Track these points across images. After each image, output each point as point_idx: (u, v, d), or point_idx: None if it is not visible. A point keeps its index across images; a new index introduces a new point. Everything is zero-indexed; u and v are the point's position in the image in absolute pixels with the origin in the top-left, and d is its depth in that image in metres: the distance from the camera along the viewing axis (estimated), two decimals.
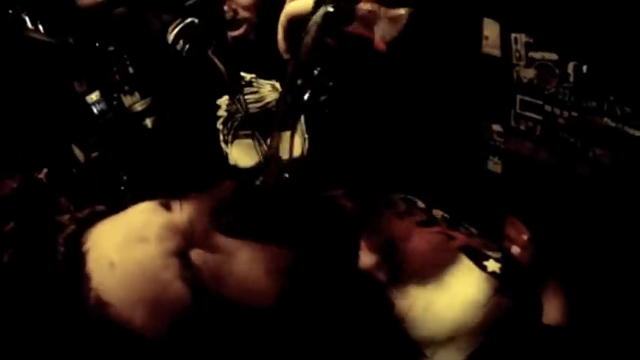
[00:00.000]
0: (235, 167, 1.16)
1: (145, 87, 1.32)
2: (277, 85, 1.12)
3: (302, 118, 1.10)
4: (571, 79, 1.00)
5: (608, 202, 1.00)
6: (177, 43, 1.06)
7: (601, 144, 1.01)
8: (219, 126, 1.15)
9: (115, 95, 1.34)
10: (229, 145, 1.15)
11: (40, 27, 1.28)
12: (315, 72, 0.67)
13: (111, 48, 1.29)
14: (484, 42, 1.11)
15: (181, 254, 0.56)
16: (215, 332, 0.55)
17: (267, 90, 1.13)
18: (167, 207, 0.61)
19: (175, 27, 1.06)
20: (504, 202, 0.97)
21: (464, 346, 0.60)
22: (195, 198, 0.61)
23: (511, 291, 0.65)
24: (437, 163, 1.16)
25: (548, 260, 0.84)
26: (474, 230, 0.84)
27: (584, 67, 0.93)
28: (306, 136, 1.12)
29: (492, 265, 0.69)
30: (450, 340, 0.61)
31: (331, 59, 0.68)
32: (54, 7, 1.28)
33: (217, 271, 0.57)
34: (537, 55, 1.03)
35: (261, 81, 1.13)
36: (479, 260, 0.70)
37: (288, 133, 1.12)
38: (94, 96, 1.34)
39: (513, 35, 1.04)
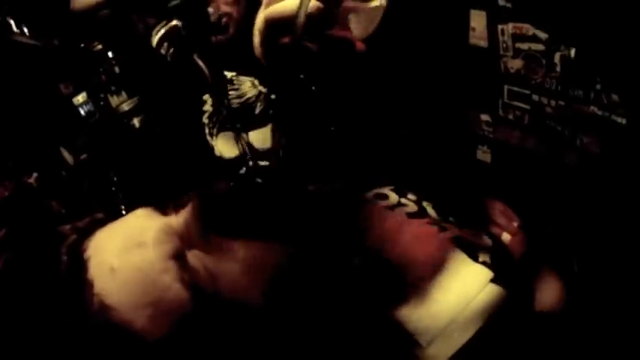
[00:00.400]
0: (220, 158, 1.20)
1: (131, 86, 1.33)
2: (256, 82, 1.17)
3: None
4: (558, 68, 1.02)
5: (596, 189, 1.03)
6: (162, 46, 1.07)
7: (588, 132, 1.03)
8: (205, 120, 1.20)
9: (102, 96, 1.34)
10: (214, 137, 1.20)
11: (26, 30, 1.28)
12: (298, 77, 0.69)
13: (97, 48, 1.29)
14: (471, 33, 1.13)
15: (178, 256, 0.58)
16: (212, 331, 0.57)
17: (248, 87, 1.17)
18: (163, 211, 0.64)
19: (159, 30, 1.07)
20: (494, 191, 0.99)
21: (459, 335, 0.62)
22: (190, 200, 0.63)
23: (504, 280, 0.67)
24: (426, 154, 1.18)
25: (538, 247, 0.87)
26: (463, 221, 0.86)
27: (573, 52, 0.95)
28: (283, 129, 1.18)
29: (483, 255, 0.71)
30: (445, 329, 0.63)
31: (313, 64, 0.69)
32: (39, 9, 1.28)
33: (213, 271, 0.59)
34: (524, 45, 1.05)
35: (242, 78, 1.18)
36: (471, 250, 0.72)
37: (267, 127, 1.18)
38: (80, 98, 1.34)
39: (500, 26, 1.07)
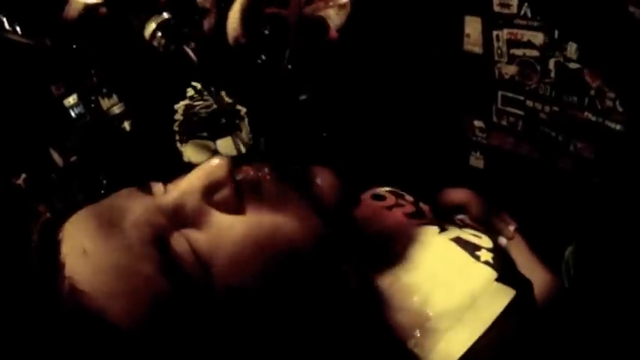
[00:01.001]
0: (189, 163, 1.22)
1: (122, 89, 1.32)
2: (223, 93, 1.22)
3: (246, 120, 1.22)
4: (552, 74, 1.01)
5: (590, 195, 1.01)
6: (154, 38, 1.08)
7: (582, 138, 1.02)
8: (176, 128, 1.23)
9: (93, 98, 1.32)
10: (184, 144, 1.23)
11: (18, 28, 1.25)
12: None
13: (89, 50, 1.28)
14: (465, 40, 1.11)
15: (162, 241, 0.52)
16: (201, 325, 0.52)
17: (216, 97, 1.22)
18: (148, 191, 0.57)
19: (151, 22, 1.08)
20: (488, 196, 0.97)
21: (466, 335, 0.59)
22: (182, 178, 0.57)
23: (507, 279, 0.65)
24: (419, 159, 1.16)
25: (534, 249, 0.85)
26: (461, 222, 0.84)
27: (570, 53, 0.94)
28: (250, 135, 1.23)
29: (485, 255, 0.69)
30: (450, 330, 0.60)
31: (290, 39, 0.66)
32: (32, 8, 1.26)
33: (205, 252, 0.52)
34: (519, 51, 1.04)
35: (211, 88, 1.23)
36: (472, 250, 0.69)
37: (232, 136, 1.22)
38: (71, 99, 1.32)
39: (495, 32, 1.05)
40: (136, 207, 0.53)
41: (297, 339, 0.56)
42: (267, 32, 0.64)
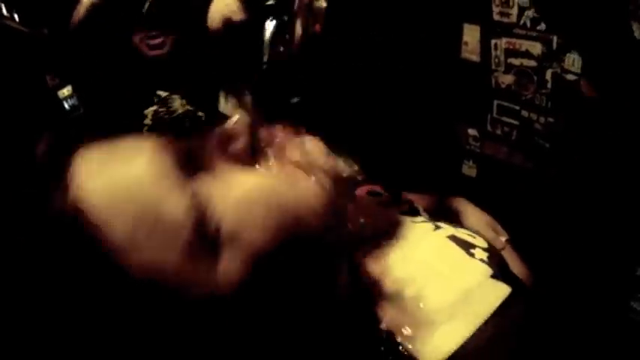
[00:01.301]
0: None
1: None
2: (184, 101, 1.29)
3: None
4: (549, 85, 1.00)
5: (582, 206, 0.99)
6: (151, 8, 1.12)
7: (577, 150, 1.01)
8: (145, 132, 1.27)
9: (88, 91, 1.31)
10: None
11: (16, 16, 1.23)
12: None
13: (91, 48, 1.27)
14: (463, 47, 1.10)
15: (177, 175, 0.48)
16: (199, 266, 0.48)
17: (178, 104, 1.28)
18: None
19: None
20: (480, 204, 0.95)
21: (460, 330, 0.56)
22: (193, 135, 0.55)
23: (502, 276, 0.62)
24: (411, 166, 1.14)
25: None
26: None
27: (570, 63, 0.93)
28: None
29: (480, 253, 0.66)
30: (444, 324, 0.57)
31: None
32: None
33: (217, 198, 0.49)
34: (516, 61, 1.03)
35: (174, 96, 1.28)
36: (467, 248, 0.67)
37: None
38: (65, 91, 1.30)
39: (493, 41, 1.04)
40: (152, 143, 0.50)
41: (287, 328, 0.53)
42: (272, 2, 0.62)
